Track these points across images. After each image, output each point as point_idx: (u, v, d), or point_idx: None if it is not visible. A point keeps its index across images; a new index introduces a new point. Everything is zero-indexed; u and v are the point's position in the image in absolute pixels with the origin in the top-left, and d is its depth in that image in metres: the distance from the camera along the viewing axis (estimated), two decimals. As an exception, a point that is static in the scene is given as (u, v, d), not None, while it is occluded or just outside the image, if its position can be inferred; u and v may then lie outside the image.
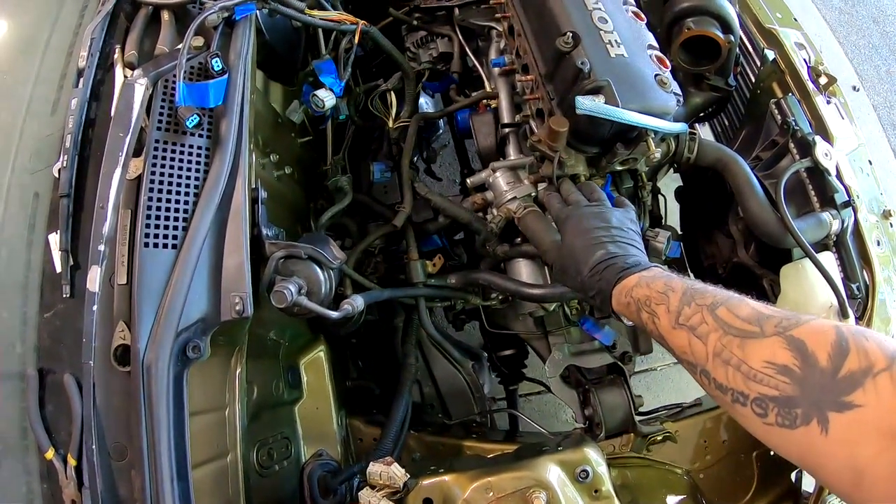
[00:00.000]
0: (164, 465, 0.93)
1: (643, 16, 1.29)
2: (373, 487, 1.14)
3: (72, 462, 0.95)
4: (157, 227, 1.01)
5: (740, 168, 1.28)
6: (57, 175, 1.07)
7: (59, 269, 1.03)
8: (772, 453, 1.32)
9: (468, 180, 1.41)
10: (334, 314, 1.07)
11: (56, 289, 1.03)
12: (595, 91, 1.14)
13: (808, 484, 1.32)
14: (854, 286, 1.24)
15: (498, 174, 1.38)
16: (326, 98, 1.32)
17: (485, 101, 1.47)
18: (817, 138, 1.27)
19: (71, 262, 1.03)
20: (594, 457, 1.13)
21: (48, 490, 0.98)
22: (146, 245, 0.99)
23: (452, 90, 1.55)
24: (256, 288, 1.06)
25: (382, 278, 1.45)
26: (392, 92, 1.50)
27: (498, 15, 1.44)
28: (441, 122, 1.77)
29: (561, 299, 1.32)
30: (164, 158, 1.05)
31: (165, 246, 1.01)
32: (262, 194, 1.16)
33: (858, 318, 1.22)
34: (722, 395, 0.72)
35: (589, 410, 1.35)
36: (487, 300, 1.43)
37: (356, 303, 1.12)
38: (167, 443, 0.94)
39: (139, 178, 1.03)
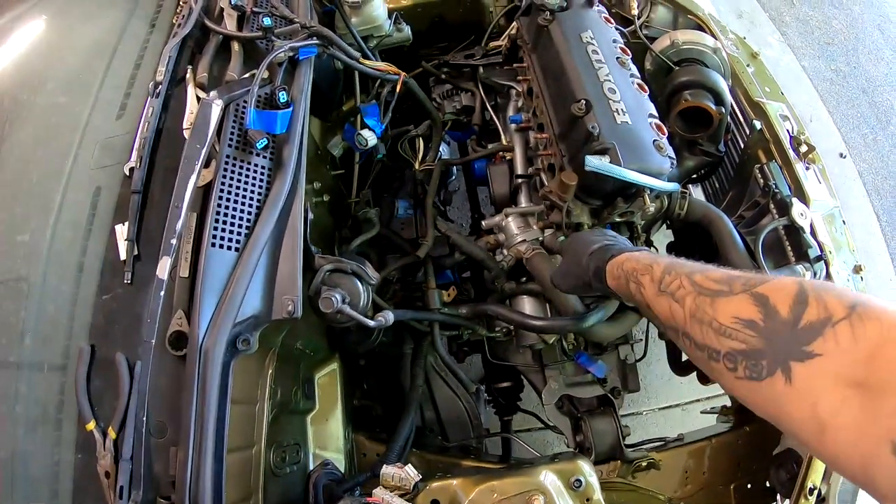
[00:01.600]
0: (208, 444, 1.02)
1: (646, 87, 1.51)
2: (384, 487, 1.25)
3: (112, 435, 1.03)
4: (223, 230, 1.14)
5: (724, 224, 1.46)
6: (128, 173, 1.21)
7: (122, 256, 1.15)
8: (748, 485, 1.46)
9: (483, 223, 1.58)
10: (372, 322, 1.21)
11: (117, 275, 1.14)
12: (602, 152, 1.32)
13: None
14: None
15: (510, 219, 1.56)
16: (370, 138, 1.50)
17: (501, 153, 1.67)
18: (794, 200, 1.45)
19: (135, 252, 1.15)
20: (586, 468, 1.25)
21: (81, 461, 1.05)
22: (213, 245, 1.12)
23: (472, 141, 1.75)
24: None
25: (398, 304, 1.59)
26: (420, 138, 1.69)
27: (519, 77, 1.65)
28: (454, 168, 1.97)
29: (559, 332, 1.48)
30: (232, 172, 1.19)
31: (229, 248, 1.14)
32: (310, 215, 1.31)
33: None
34: (700, 355, 0.76)
35: (580, 436, 1.48)
36: (492, 332, 1.58)
37: (388, 317, 1.26)
38: (214, 424, 1.04)
39: (208, 186, 1.18)
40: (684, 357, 1.74)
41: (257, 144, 1.20)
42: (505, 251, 1.54)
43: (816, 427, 0.61)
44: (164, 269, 1.07)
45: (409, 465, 1.23)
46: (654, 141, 1.37)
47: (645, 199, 1.37)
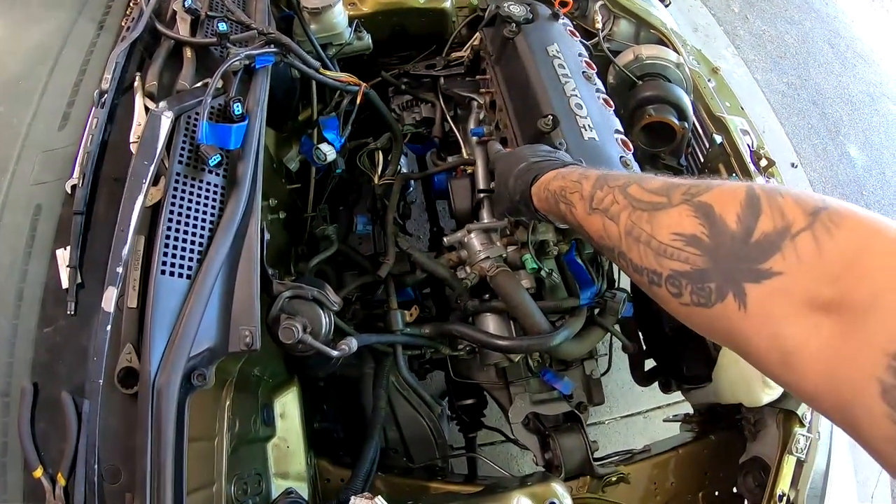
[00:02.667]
0: (167, 489, 0.94)
1: (611, 102, 1.50)
2: (352, 522, 1.18)
3: (61, 482, 0.95)
4: (173, 256, 1.05)
5: None
6: (69, 191, 1.10)
7: (65, 284, 1.04)
8: (716, 493, 1.47)
9: (445, 239, 1.53)
10: (334, 352, 1.13)
11: (59, 304, 1.03)
12: None
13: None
14: None
15: (473, 235, 1.51)
16: (328, 152, 1.42)
17: (462, 166, 1.62)
18: None
19: (78, 280, 1.04)
20: (559, 490, 1.23)
21: (31, 511, 0.95)
22: (163, 272, 1.03)
23: (433, 154, 1.70)
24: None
25: (359, 325, 1.52)
26: (380, 151, 1.62)
27: (482, 90, 1.61)
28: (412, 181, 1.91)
29: (526, 351, 1.44)
30: (182, 192, 1.10)
31: (181, 275, 1.05)
32: (267, 235, 1.23)
33: None
34: (640, 278, 0.66)
35: (549, 454, 1.45)
36: (455, 350, 1.53)
37: (351, 344, 1.19)
38: (171, 467, 0.95)
39: (157, 207, 1.08)
40: (647, 367, 1.75)
41: (210, 161, 1.11)
42: (468, 268, 1.50)
43: (780, 358, 0.51)
44: (109, 300, 0.98)
45: (380, 496, 1.17)
46: (621, 157, 1.36)
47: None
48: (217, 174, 1.16)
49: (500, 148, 1.34)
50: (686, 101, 1.58)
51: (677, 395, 1.76)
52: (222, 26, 1.23)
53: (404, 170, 1.76)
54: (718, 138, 1.63)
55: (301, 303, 1.16)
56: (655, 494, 1.48)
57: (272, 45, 1.28)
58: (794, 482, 1.33)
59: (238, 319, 1.08)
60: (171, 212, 1.07)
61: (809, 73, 3.85)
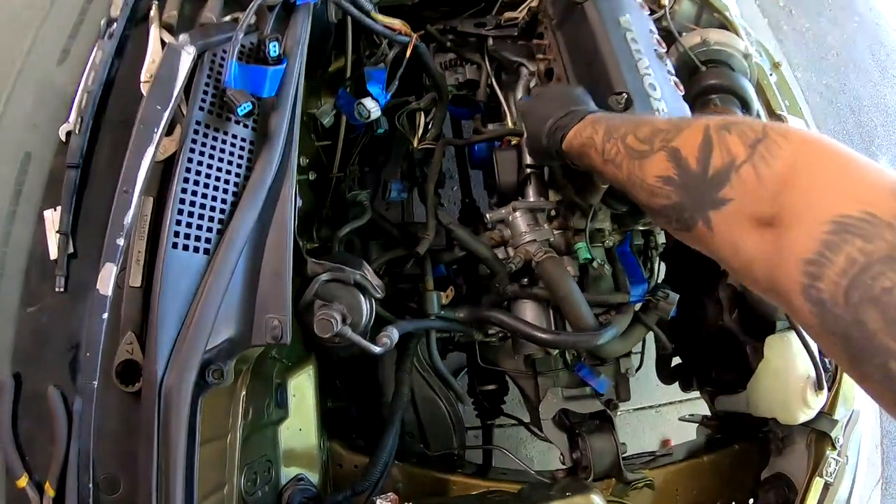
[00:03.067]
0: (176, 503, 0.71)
1: (682, 87, 1.23)
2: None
3: (50, 493, 0.71)
4: (188, 225, 0.78)
5: None
6: (64, 138, 0.81)
7: (53, 254, 0.77)
8: (733, 503, 1.30)
9: (487, 215, 1.27)
10: (377, 349, 0.89)
11: (46, 279, 0.77)
12: None
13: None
14: (827, 359, 1.25)
15: (518, 214, 1.25)
16: (373, 109, 1.13)
17: (509, 137, 1.34)
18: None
19: (70, 250, 0.77)
20: (599, 502, 1.04)
21: (14, 524, 0.72)
22: (175, 245, 0.76)
23: (477, 120, 1.41)
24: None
25: (386, 302, 1.26)
26: (422, 112, 1.33)
27: (538, 56, 1.32)
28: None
29: (570, 347, 1.22)
30: (202, 145, 0.82)
31: (196, 250, 0.78)
32: (299, 201, 0.95)
33: (829, 389, 1.21)
34: (653, 216, 0.74)
35: (577, 454, 1.25)
36: (487, 336, 1.30)
37: (393, 336, 0.95)
38: (182, 478, 0.72)
39: (169, 162, 0.80)
40: (673, 363, 1.55)
41: (238, 109, 0.82)
42: (510, 250, 1.25)
43: (741, 266, 0.58)
44: (107, 280, 0.71)
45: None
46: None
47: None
48: (246, 126, 0.88)
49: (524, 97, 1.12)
50: (752, 93, 1.32)
51: (691, 393, 1.57)
52: (258, -48, 0.91)
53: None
54: None
55: (339, 287, 0.91)
56: (675, 501, 1.31)
57: (316, -20, 0.96)
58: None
59: (265, 305, 0.82)
60: (188, 169, 0.80)
61: (849, 78, 3.51)
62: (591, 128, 0.86)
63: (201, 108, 0.83)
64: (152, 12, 0.87)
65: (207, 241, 0.79)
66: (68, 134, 0.79)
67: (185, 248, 0.77)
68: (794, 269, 0.48)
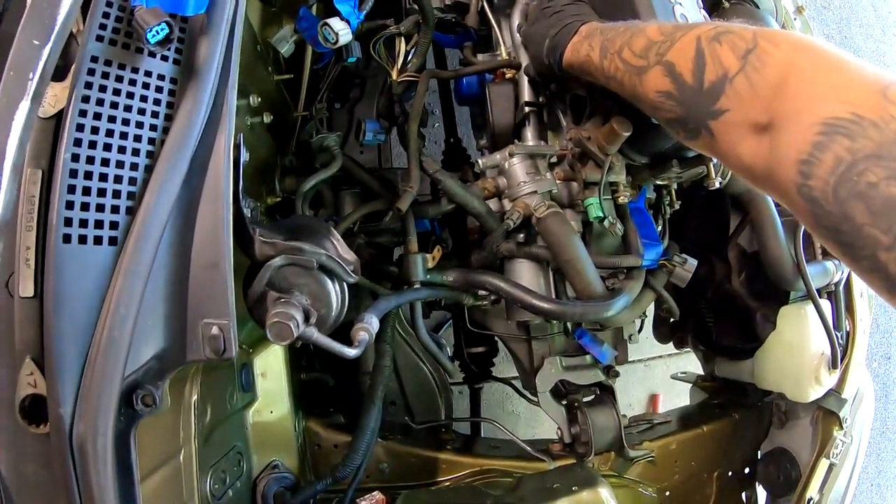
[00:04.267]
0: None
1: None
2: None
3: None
4: (84, 207, 0.54)
5: (767, 206, 1.08)
6: None
7: None
8: (729, 473, 1.19)
9: (479, 161, 1.03)
10: (352, 352, 0.69)
11: None
12: None
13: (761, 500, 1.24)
14: (838, 334, 1.11)
15: (515, 160, 1.02)
16: (342, 31, 0.85)
17: (504, 69, 1.08)
18: None
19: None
20: (608, 497, 0.91)
21: None
22: (66, 240, 0.52)
23: (468, 48, 1.12)
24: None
25: (364, 266, 1.04)
26: (402, 37, 1.04)
27: (542, -30, 1.02)
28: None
29: (576, 319, 1.03)
30: (102, 90, 0.56)
31: (99, 240, 0.54)
32: (245, 155, 0.70)
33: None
34: (664, 126, 0.70)
35: (576, 429, 1.10)
36: (478, 300, 1.10)
37: (372, 326, 0.74)
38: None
39: (59, 118, 0.54)
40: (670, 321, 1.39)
41: (148, 34, 0.55)
42: (506, 202, 1.03)
43: (744, 171, 0.59)
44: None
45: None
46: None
47: (710, 170, 0.90)
48: (164, 58, 0.61)
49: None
50: None
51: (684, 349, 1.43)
52: None
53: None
54: None
55: (299, 273, 0.68)
56: (675, 472, 1.20)
57: None
58: (822, 486, 1.10)
59: (199, 308, 0.60)
60: (81, 127, 0.55)
61: (850, 31, 3.21)
62: (586, 44, 0.80)
63: (100, 39, 0.56)
64: None
65: (113, 225, 0.55)
66: None
67: (83, 239, 0.53)
68: (790, 169, 0.50)
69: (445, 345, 1.35)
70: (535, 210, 0.97)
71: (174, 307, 0.58)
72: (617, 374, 1.15)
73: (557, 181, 1.02)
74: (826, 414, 1.10)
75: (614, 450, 1.11)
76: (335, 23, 0.85)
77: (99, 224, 0.54)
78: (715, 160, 0.93)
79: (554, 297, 1.05)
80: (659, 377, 2.14)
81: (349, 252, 0.76)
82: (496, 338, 1.29)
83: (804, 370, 1.04)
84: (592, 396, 1.14)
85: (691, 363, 1.43)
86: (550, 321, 1.14)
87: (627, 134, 0.86)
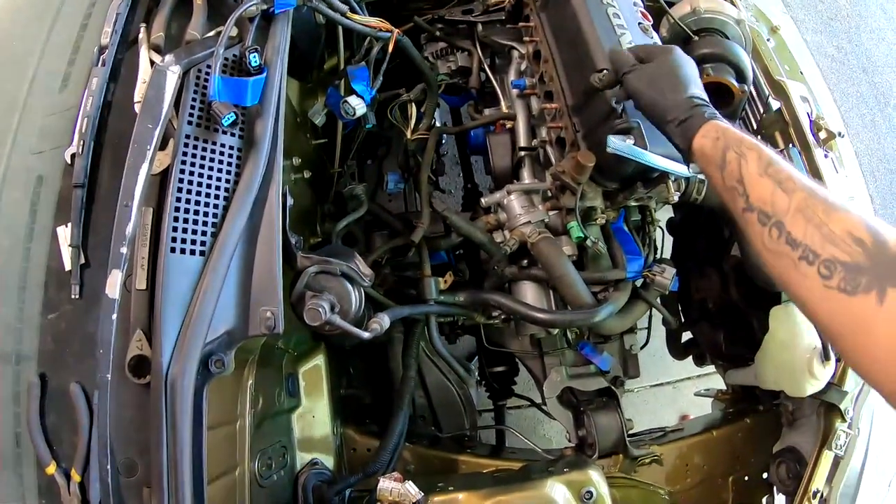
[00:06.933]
0: (184, 484, 0.82)
1: None
2: (381, 503, 1.07)
3: (76, 478, 0.83)
4: (184, 230, 0.88)
5: None
6: (69, 161, 0.92)
7: (67, 266, 0.89)
8: (746, 478, 1.34)
9: (483, 200, 1.34)
10: (365, 334, 0.98)
11: (63, 288, 0.89)
12: (626, 131, 1.09)
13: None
14: None
15: (512, 197, 1.32)
16: (357, 106, 1.21)
17: (502, 121, 1.40)
18: None
19: (82, 260, 0.89)
20: (598, 479, 1.11)
21: (47, 506, 0.84)
22: (172, 251, 0.86)
23: (470, 107, 1.48)
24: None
25: (389, 290, 1.36)
26: (413, 103, 1.40)
27: (525, 38, 1.37)
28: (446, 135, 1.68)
29: (566, 326, 1.28)
30: (193, 156, 0.92)
31: (193, 252, 0.88)
32: (290, 201, 1.05)
33: (838, 360, 1.23)
34: (789, 251, 0.71)
35: (582, 431, 1.32)
36: (490, 319, 1.37)
37: (383, 322, 1.04)
38: (189, 461, 0.83)
39: (164, 174, 0.91)
40: (683, 339, 1.59)
41: (223, 120, 0.92)
42: (506, 233, 1.32)
43: (891, 348, 0.61)
44: (114, 285, 0.82)
45: (410, 482, 1.05)
46: (681, 122, 1.13)
47: (668, 187, 1.15)
48: (232, 134, 0.97)
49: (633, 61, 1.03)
50: (746, 61, 1.34)
51: (709, 368, 1.60)
52: (235, -33, 1.01)
53: (438, 122, 1.54)
54: (776, 104, 1.39)
55: (328, 278, 1.00)
56: (686, 476, 1.36)
57: (293, -12, 1.05)
58: (830, 478, 1.21)
59: (258, 299, 0.92)
60: (181, 180, 0.90)
61: (861, 39, 3.38)
62: (752, 137, 0.84)
63: (189, 122, 0.93)
64: (141, 34, 0.97)
65: (203, 244, 0.89)
66: (73, 156, 0.90)
67: (183, 251, 0.87)
68: None
69: (474, 370, 1.61)
70: (529, 237, 1.26)
71: (241, 298, 0.90)
72: (623, 384, 1.36)
73: (550, 212, 1.31)
74: (829, 408, 1.22)
75: (619, 450, 1.30)
76: (352, 99, 1.22)
77: (193, 241, 0.88)
78: (673, 178, 1.16)
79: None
80: (688, 398, 2.24)
81: (367, 268, 1.06)
82: (515, 358, 1.54)
83: (798, 365, 1.18)
84: (599, 402, 1.35)
85: (719, 382, 1.58)
86: (557, 336, 1.39)
87: (591, 164, 1.14)
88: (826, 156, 1.34)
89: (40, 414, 0.85)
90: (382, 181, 1.49)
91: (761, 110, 1.42)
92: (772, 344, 1.26)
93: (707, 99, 0.96)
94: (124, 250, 0.83)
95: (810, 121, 1.35)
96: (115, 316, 0.81)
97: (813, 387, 1.20)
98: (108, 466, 0.81)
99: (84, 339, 0.86)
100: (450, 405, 1.47)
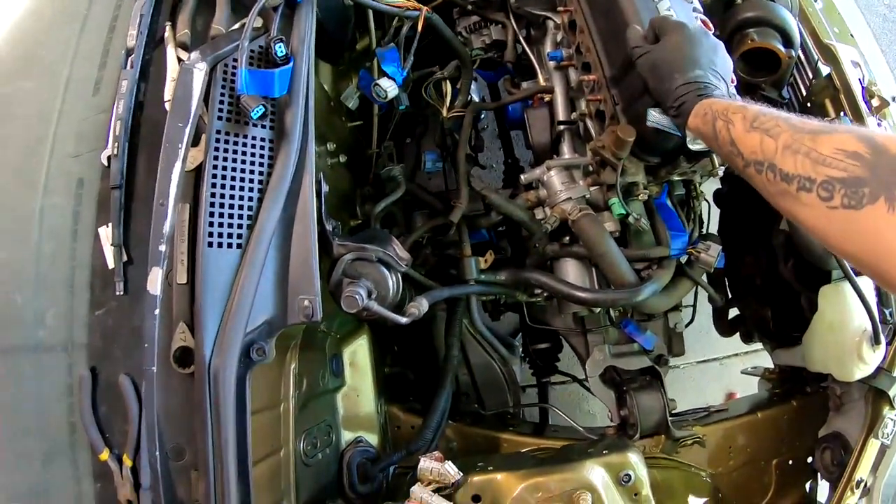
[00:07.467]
0: (230, 467, 0.86)
1: (710, 25, 1.18)
2: (421, 482, 1.10)
3: (128, 463, 0.88)
4: (220, 224, 0.91)
5: None
6: (106, 163, 0.95)
7: (111, 264, 0.93)
8: (790, 462, 1.29)
9: (522, 177, 1.31)
10: (403, 319, 1.00)
11: (108, 286, 0.93)
12: None
13: (823, 494, 1.31)
14: (887, 311, 1.19)
15: (552, 173, 1.29)
16: (389, 88, 1.20)
17: (539, 94, 1.36)
18: None
19: (124, 258, 0.93)
20: (636, 461, 1.10)
21: (101, 490, 0.91)
22: (210, 245, 0.89)
23: (506, 81, 1.44)
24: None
25: (430, 271, 1.36)
26: (447, 80, 1.38)
27: (559, 8, 1.31)
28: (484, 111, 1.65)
29: (609, 305, 1.25)
30: (225, 151, 0.94)
31: (230, 245, 0.91)
32: (325, 187, 1.06)
33: (889, 343, 1.16)
34: (787, 186, 0.70)
35: (625, 411, 1.30)
36: (532, 297, 1.36)
37: (422, 306, 1.05)
38: (233, 446, 0.87)
39: (198, 170, 0.93)
40: (730, 316, 1.53)
41: (252, 113, 0.92)
42: (547, 210, 1.29)
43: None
44: (155, 281, 0.86)
45: (449, 462, 1.07)
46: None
47: (713, 160, 1.10)
48: (263, 126, 0.98)
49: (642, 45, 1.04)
50: (793, 24, 1.25)
51: (756, 345, 1.54)
52: (255, -44, 1.00)
53: (475, 98, 1.51)
54: (825, 69, 1.30)
55: (365, 265, 1.01)
56: (729, 458, 1.33)
57: (315, -27, 1.03)
58: (875, 467, 1.16)
59: (296, 288, 0.94)
60: (214, 175, 0.92)
61: None
62: (741, 102, 0.87)
63: (220, 118, 0.94)
64: (167, 33, 0.99)
65: (239, 237, 0.91)
66: (109, 158, 0.93)
67: (220, 245, 0.90)
68: None
69: (518, 347, 1.61)
70: (569, 214, 1.23)
71: (279, 287, 0.92)
72: (667, 363, 1.33)
73: (591, 187, 1.27)
74: (877, 393, 1.16)
75: (661, 431, 1.28)
76: (383, 82, 1.20)
77: (229, 235, 0.90)
78: None
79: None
80: (735, 375, 2.16)
81: (404, 252, 1.07)
82: (559, 334, 1.53)
83: (846, 348, 1.13)
84: (642, 381, 1.33)
85: (767, 360, 1.52)
86: (600, 313, 1.36)
87: (631, 139, 1.09)
88: (879, 124, 1.24)
89: (92, 405, 0.90)
90: (420, 161, 1.48)
91: (810, 76, 1.33)
92: (820, 324, 1.20)
93: (707, 78, 0.96)
94: (163, 248, 0.86)
95: (862, 87, 1.25)
96: (157, 311, 0.85)
97: (861, 371, 1.15)
98: (158, 452, 0.86)
99: (130, 333, 0.90)
100: (493, 383, 1.48)
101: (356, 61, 1.41)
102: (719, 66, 1.00)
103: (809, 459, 1.28)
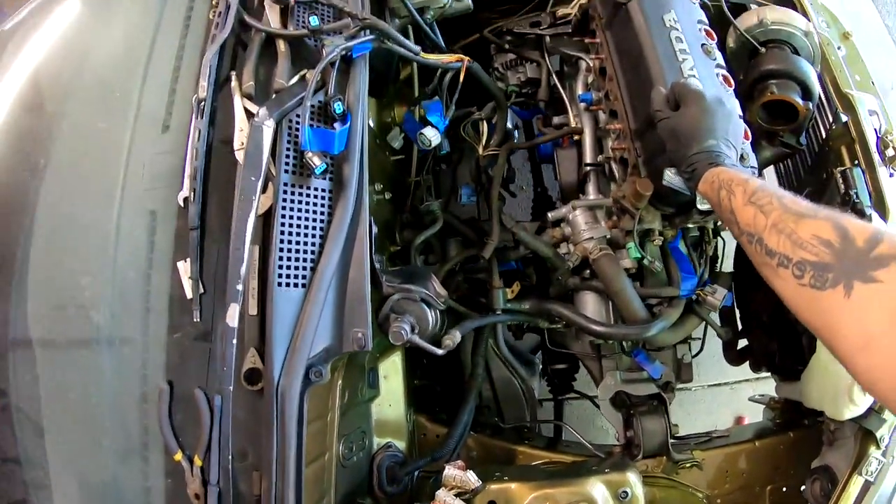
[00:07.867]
0: (290, 471, 1.02)
1: (731, 81, 1.28)
2: (445, 486, 1.25)
3: (198, 463, 1.04)
4: (287, 266, 1.05)
5: None
6: (182, 204, 1.11)
7: (189, 295, 1.09)
8: (784, 489, 1.42)
9: (549, 214, 1.44)
10: (440, 351, 1.14)
11: (185, 312, 1.09)
12: None
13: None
14: None
15: (577, 212, 1.41)
16: (433, 137, 1.34)
17: (569, 135, 1.48)
18: (874, 214, 1.29)
19: (201, 290, 1.08)
20: (634, 480, 1.23)
21: (171, 485, 1.07)
22: (279, 285, 1.04)
23: (539, 121, 1.56)
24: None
25: (462, 297, 1.51)
26: (484, 121, 1.51)
27: (591, 56, 1.42)
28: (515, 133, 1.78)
29: (621, 339, 1.39)
30: (291, 201, 1.08)
31: (296, 286, 1.05)
32: (374, 229, 1.20)
33: None
34: (769, 261, 0.80)
35: (630, 432, 1.44)
36: (553, 324, 1.50)
37: (455, 338, 1.19)
38: (294, 452, 1.02)
39: (268, 214, 1.07)
40: (740, 346, 1.65)
41: (316, 170, 1.06)
42: (571, 246, 1.42)
43: (860, 341, 0.66)
44: (233, 315, 1.01)
45: (471, 471, 1.22)
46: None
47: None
48: (323, 178, 1.12)
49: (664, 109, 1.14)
50: (813, 77, 1.33)
51: (766, 373, 1.66)
52: (314, 21, 1.14)
53: (508, 125, 1.63)
54: (844, 117, 1.38)
55: (409, 303, 1.17)
56: (725, 482, 1.45)
57: (368, 31, 1.16)
58: (858, 500, 1.24)
59: (351, 321, 1.09)
60: (282, 223, 1.07)
61: None
62: (744, 174, 0.98)
63: (286, 171, 1.08)
64: (233, 83, 1.12)
65: (304, 277, 1.06)
66: (185, 200, 1.09)
67: (287, 284, 1.05)
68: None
69: (537, 363, 1.76)
70: (590, 252, 1.36)
71: (336, 321, 1.07)
72: (673, 390, 1.47)
73: (611, 229, 1.40)
74: (865, 433, 1.25)
75: (662, 453, 1.42)
76: (428, 131, 1.34)
77: (296, 276, 1.05)
78: None
79: (612, 322, 1.42)
80: (745, 400, 2.26)
81: (442, 289, 1.21)
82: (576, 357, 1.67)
83: (839, 390, 1.22)
84: (648, 406, 1.47)
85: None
86: (614, 343, 1.50)
87: (648, 193, 1.20)
88: (891, 175, 1.33)
89: (169, 413, 1.07)
90: (456, 191, 1.62)
91: (830, 121, 1.42)
92: (817, 365, 1.30)
93: (720, 148, 1.06)
94: (240, 287, 1.02)
95: (877, 137, 1.34)
96: (234, 340, 1.01)
97: (851, 412, 1.24)
98: (228, 453, 1.03)
99: (204, 353, 1.07)
100: (513, 398, 1.63)
101: (399, 91, 1.54)
102: (731, 133, 1.11)
103: (803, 488, 1.37)
